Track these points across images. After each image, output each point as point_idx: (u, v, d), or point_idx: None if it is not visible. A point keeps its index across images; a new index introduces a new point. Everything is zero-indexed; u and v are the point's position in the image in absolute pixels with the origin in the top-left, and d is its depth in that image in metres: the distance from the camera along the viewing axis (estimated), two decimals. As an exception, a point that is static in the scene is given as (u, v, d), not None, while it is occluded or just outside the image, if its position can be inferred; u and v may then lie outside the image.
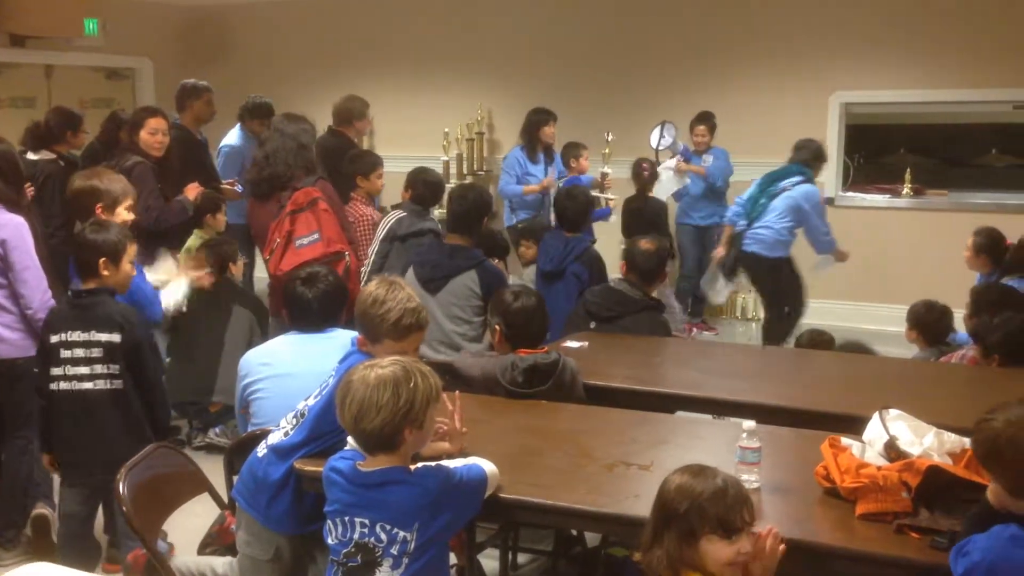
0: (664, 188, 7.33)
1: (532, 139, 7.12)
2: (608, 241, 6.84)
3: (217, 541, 3.09)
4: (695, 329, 7.54)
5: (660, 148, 7.39)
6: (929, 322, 4.71)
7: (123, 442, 3.35)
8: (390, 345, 2.74)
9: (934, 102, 7.73)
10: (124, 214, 3.96)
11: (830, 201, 7.88)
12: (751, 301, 8.21)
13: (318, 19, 9.52)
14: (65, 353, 3.38)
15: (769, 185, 6.38)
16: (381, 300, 2.76)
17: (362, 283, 4.54)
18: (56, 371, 3.40)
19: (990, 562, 1.93)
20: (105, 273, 3.38)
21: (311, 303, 3.54)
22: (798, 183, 6.30)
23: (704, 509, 1.98)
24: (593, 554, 3.64)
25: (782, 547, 2.07)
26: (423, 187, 5.56)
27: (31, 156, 5.68)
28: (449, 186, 8.22)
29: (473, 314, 4.40)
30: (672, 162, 7.41)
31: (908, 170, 8.00)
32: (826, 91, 7.81)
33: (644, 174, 7.21)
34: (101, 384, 3.37)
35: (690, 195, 7.45)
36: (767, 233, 6.30)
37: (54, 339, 3.40)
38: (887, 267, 7.66)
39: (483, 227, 4.84)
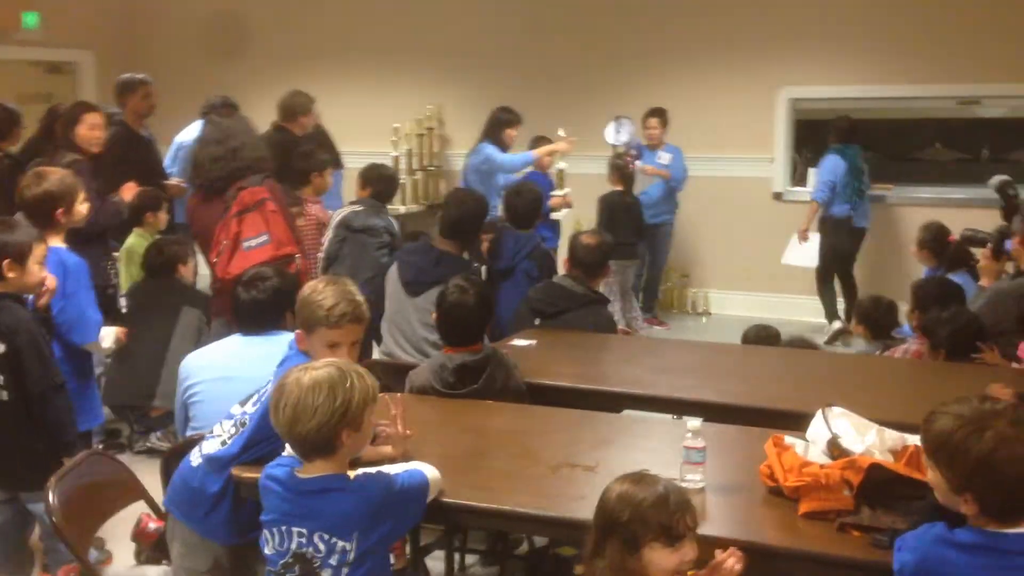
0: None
1: (496, 138, 6.91)
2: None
3: (142, 545, 3.01)
4: (646, 324, 7.55)
5: (618, 144, 7.36)
6: (875, 316, 4.75)
7: (13, 454, 3.24)
8: (324, 334, 2.70)
9: (880, 97, 7.81)
10: (82, 209, 3.86)
11: (779, 196, 7.97)
12: (701, 296, 8.25)
13: (263, 12, 9.38)
14: None
15: (857, 168, 7.15)
16: (320, 290, 2.76)
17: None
18: None
19: (917, 561, 1.95)
20: (10, 275, 3.21)
21: (250, 305, 3.47)
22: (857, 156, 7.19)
23: (646, 517, 1.95)
24: (541, 553, 3.62)
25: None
26: (381, 183, 5.51)
27: None
28: (400, 181, 8.22)
29: None
30: (639, 163, 7.37)
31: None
32: (773, 87, 7.86)
33: (629, 169, 7.13)
34: None
35: (648, 195, 7.43)
36: (867, 206, 7.26)
37: None
38: (834, 261, 7.73)
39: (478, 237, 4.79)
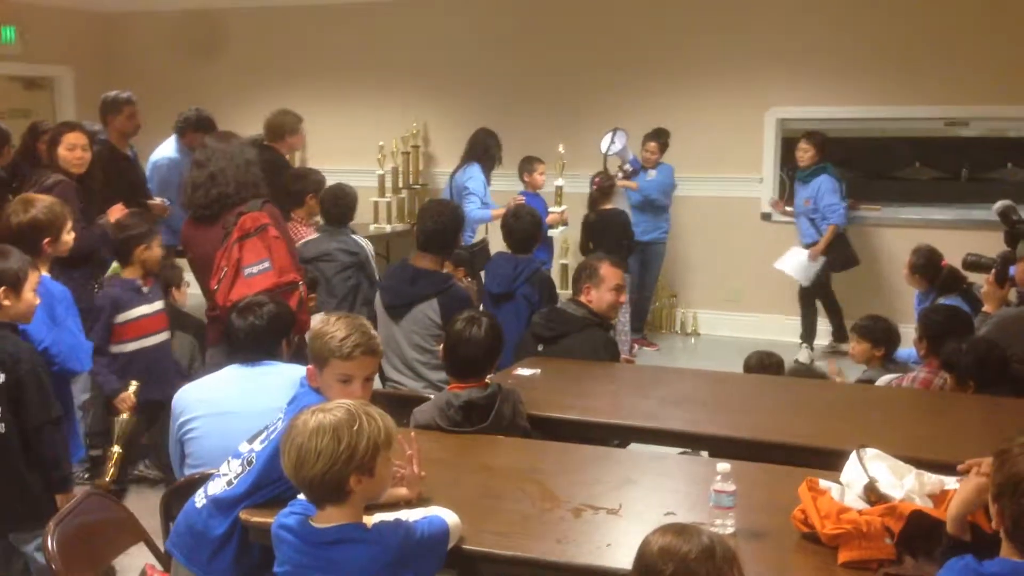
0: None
1: (490, 160, 6.93)
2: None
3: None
4: (636, 346, 7.47)
5: (609, 154, 7.29)
6: (879, 337, 4.69)
7: (6, 491, 3.14)
8: (337, 367, 2.64)
9: (867, 118, 7.82)
10: (69, 239, 3.76)
11: (767, 217, 7.94)
12: (690, 316, 8.20)
13: (248, 30, 9.26)
14: None
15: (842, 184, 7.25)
16: (333, 323, 2.70)
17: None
18: None
19: None
20: (6, 303, 3.16)
21: (247, 332, 3.36)
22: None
23: (692, 571, 1.86)
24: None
25: None
26: (330, 204, 5.35)
27: None
28: (385, 200, 8.13)
29: (435, 343, 4.26)
30: (619, 174, 7.34)
31: (843, 185, 8.06)
32: (762, 108, 7.85)
33: (592, 188, 7.12)
34: None
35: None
36: None
37: None
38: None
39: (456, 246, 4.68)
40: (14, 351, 3.14)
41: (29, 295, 3.23)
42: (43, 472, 3.19)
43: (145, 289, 4.41)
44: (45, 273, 3.64)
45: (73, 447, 3.65)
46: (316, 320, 2.76)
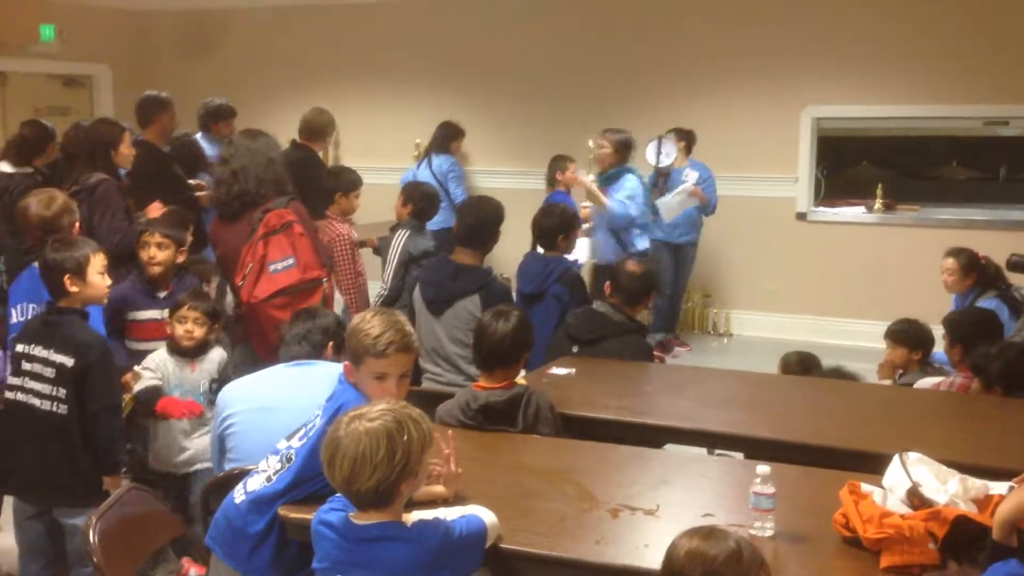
0: (671, 209, 6.99)
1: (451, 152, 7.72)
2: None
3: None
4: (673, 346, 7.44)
5: (662, 166, 7.08)
6: (915, 341, 4.64)
7: (59, 468, 3.29)
8: (371, 364, 2.62)
9: (905, 117, 7.73)
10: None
11: (802, 216, 7.87)
12: (723, 316, 8.16)
13: (282, 27, 9.32)
14: (26, 366, 3.33)
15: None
16: (368, 319, 2.68)
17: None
18: (15, 381, 3.36)
19: None
20: (74, 289, 3.31)
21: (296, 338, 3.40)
22: None
23: (719, 575, 1.86)
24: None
25: None
26: (423, 200, 5.47)
27: (6, 169, 5.55)
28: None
29: None
30: (689, 185, 7.07)
31: (880, 185, 8.00)
32: (798, 106, 7.79)
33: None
34: (47, 405, 3.28)
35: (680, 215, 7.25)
36: None
37: (20, 348, 3.36)
38: (859, 282, 7.65)
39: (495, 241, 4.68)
40: (85, 337, 3.30)
41: (96, 278, 3.37)
42: (96, 455, 3.32)
43: (161, 294, 4.22)
44: None
45: None
46: (355, 317, 2.76)
